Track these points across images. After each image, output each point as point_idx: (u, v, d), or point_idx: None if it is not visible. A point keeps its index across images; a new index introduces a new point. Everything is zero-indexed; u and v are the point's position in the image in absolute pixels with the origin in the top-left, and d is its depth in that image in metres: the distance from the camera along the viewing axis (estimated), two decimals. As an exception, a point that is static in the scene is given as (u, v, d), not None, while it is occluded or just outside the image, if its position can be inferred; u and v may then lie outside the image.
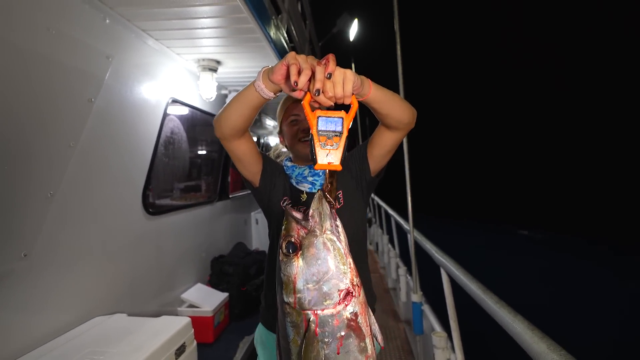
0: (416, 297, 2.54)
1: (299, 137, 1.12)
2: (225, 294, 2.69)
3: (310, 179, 1.07)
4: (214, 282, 2.88)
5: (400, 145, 2.72)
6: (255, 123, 4.95)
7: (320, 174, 1.08)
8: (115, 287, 1.91)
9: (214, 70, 2.65)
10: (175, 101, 2.54)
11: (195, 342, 1.57)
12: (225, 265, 2.94)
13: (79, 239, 1.64)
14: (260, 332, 1.13)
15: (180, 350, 1.43)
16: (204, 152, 3.47)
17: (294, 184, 1.09)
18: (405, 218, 3.37)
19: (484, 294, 1.40)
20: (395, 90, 2.94)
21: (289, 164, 1.12)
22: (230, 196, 3.77)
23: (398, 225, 4.02)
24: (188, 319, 1.55)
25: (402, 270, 3.53)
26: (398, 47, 2.77)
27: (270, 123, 5.89)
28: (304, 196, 1.05)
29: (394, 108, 0.90)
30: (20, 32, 1.30)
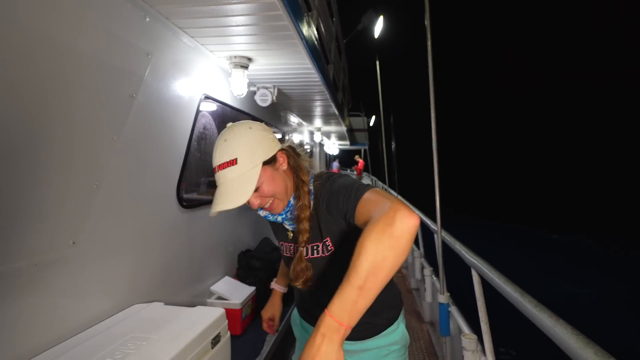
0: (443, 298, 2.51)
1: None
2: (253, 288, 2.74)
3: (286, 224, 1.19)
4: (241, 275, 2.94)
5: (429, 145, 2.70)
6: (280, 120, 4.99)
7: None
8: (151, 277, 1.98)
9: (245, 67, 2.69)
10: (207, 97, 2.60)
11: (229, 333, 1.61)
12: (252, 259, 2.99)
13: (120, 229, 1.71)
14: (295, 314, 1.40)
15: (216, 340, 1.47)
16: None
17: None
18: (432, 217, 3.33)
19: (522, 297, 1.37)
20: (425, 87, 2.91)
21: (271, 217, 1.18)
22: (257, 192, 3.82)
23: (424, 225, 3.97)
24: (222, 310, 1.59)
25: (428, 270, 3.49)
26: (429, 43, 2.72)
27: (294, 120, 5.93)
28: (290, 233, 1.20)
29: (388, 275, 0.74)
30: (69, 30, 1.36)
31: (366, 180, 16.86)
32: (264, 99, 3.33)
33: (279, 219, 1.14)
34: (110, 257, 1.65)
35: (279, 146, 1.08)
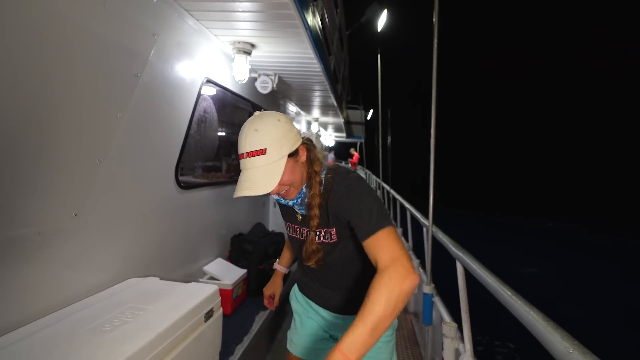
0: (428, 288, 2.60)
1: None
2: (244, 270, 2.81)
3: (296, 208, 1.23)
4: (234, 258, 3.00)
5: (424, 140, 2.76)
6: (279, 108, 5.02)
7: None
8: (147, 253, 2.04)
9: (248, 53, 2.72)
10: (209, 81, 2.63)
11: (221, 310, 1.67)
12: (245, 243, 3.06)
13: (119, 205, 1.76)
14: (295, 290, 1.48)
15: (209, 315, 1.54)
16: (231, 133, 3.57)
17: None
18: (423, 212, 3.41)
19: (500, 287, 1.45)
20: (424, 84, 2.94)
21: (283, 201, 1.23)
22: (252, 178, 3.87)
23: (413, 218, 4.06)
24: (216, 287, 1.65)
25: (415, 263, 3.59)
26: (435, 41, 2.73)
27: (293, 109, 5.96)
28: (299, 216, 1.25)
29: (391, 321, 0.87)
30: (78, 7, 1.39)
31: (360, 173, 16.95)
32: (265, 86, 3.36)
33: (290, 203, 1.20)
34: (109, 231, 1.71)
35: (300, 139, 1.14)
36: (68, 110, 1.40)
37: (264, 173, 1.02)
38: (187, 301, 1.47)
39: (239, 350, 2.13)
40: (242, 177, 1.04)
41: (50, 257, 1.39)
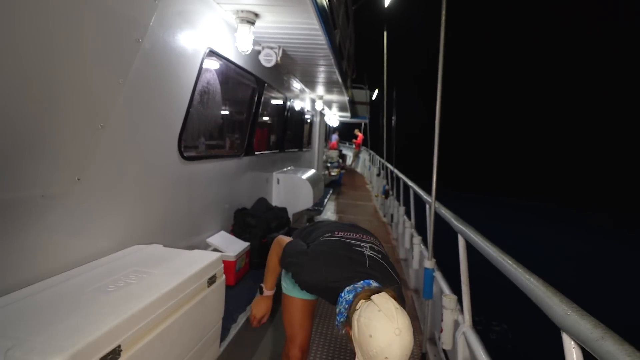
0: (429, 263, 2.62)
1: None
2: (247, 243, 2.84)
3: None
4: (237, 231, 3.03)
5: (431, 116, 2.72)
6: (282, 84, 4.95)
7: None
8: (151, 222, 2.06)
9: (252, 23, 2.66)
10: (212, 52, 2.59)
11: (224, 276, 1.70)
12: (248, 217, 3.08)
13: (122, 172, 1.76)
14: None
15: (212, 280, 1.56)
16: (234, 106, 3.54)
17: None
18: (426, 190, 3.40)
19: (501, 257, 1.46)
20: (431, 63, 2.89)
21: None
22: (256, 153, 3.87)
23: (417, 196, 4.06)
24: (219, 254, 1.67)
25: (417, 239, 3.61)
26: (443, 16, 2.65)
27: (297, 86, 5.88)
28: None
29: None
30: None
31: (364, 154, 16.88)
32: (268, 59, 3.30)
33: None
34: (113, 198, 1.72)
35: None
36: (70, 75, 1.38)
37: None
38: (190, 266, 1.49)
39: (242, 318, 2.18)
40: None
41: (54, 220, 1.40)
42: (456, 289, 2.25)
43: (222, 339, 1.84)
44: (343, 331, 1.13)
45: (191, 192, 2.53)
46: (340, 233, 1.45)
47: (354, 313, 1.03)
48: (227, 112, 3.39)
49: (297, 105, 6.06)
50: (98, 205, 1.63)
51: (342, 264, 1.27)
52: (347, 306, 1.11)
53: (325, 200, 7.41)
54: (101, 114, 1.57)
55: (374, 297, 1.03)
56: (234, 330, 2.03)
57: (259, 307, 1.65)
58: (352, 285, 1.16)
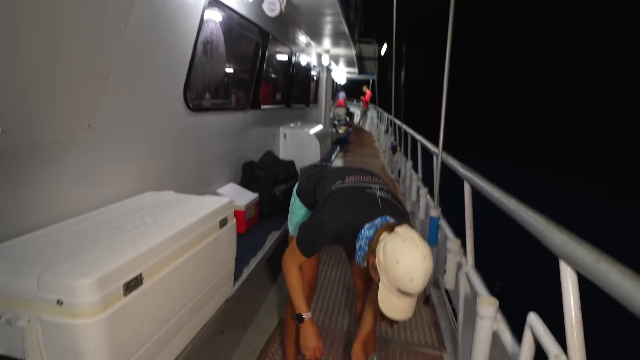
0: (435, 212, 2.67)
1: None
2: (256, 194, 2.91)
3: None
4: (245, 183, 3.09)
5: (440, 68, 2.65)
6: (288, 37, 4.80)
7: None
8: (162, 171, 2.11)
9: (254, -34, 2.54)
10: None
11: (234, 220, 1.76)
12: (256, 169, 3.13)
13: (130, 121, 1.79)
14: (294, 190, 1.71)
15: (224, 222, 1.63)
16: (239, 58, 3.47)
17: None
18: (434, 142, 3.38)
19: (506, 199, 1.49)
20: (441, 19, 2.75)
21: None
22: (262, 107, 3.84)
23: (424, 149, 4.05)
24: (229, 199, 1.73)
25: (423, 191, 3.65)
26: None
27: (303, 39, 5.69)
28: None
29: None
30: None
31: (372, 111, 16.60)
32: (272, 7, 3.17)
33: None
34: (123, 146, 1.76)
35: None
36: (72, 21, 1.36)
37: (414, 303, 1.16)
38: (202, 208, 1.54)
39: (254, 262, 2.28)
40: (401, 305, 1.13)
41: (68, 165, 1.45)
42: (460, 235, 2.31)
43: (235, 279, 1.95)
44: (364, 264, 1.25)
45: (199, 143, 2.56)
46: (349, 178, 1.48)
47: (379, 244, 1.15)
48: (231, 65, 3.33)
49: (303, 59, 5.90)
50: (109, 153, 1.67)
51: (358, 206, 1.33)
52: (368, 241, 1.22)
53: (333, 157, 7.42)
54: (105, 62, 1.56)
55: (397, 229, 1.16)
56: (246, 272, 2.13)
57: (309, 339, 1.44)
58: (370, 222, 1.25)
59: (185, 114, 2.29)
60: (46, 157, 1.36)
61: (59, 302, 0.93)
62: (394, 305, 1.12)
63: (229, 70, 3.28)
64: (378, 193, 1.39)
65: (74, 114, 1.44)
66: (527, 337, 1.11)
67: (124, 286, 1.03)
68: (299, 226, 1.41)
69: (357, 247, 1.25)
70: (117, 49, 1.62)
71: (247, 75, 3.58)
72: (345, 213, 1.32)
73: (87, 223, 1.35)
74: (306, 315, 1.44)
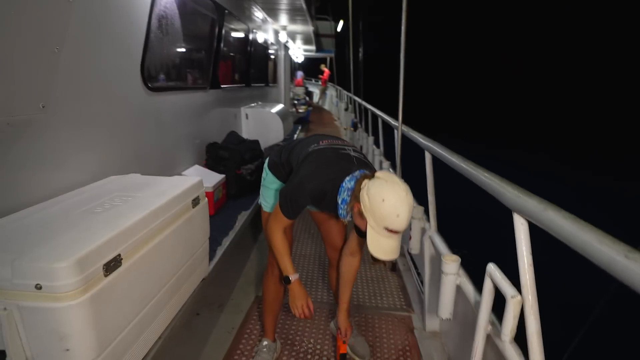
0: (398, 183, 2.79)
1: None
2: (222, 175, 2.88)
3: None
4: (210, 165, 3.05)
5: (396, 43, 2.72)
6: (244, 12, 4.66)
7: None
8: (124, 155, 2.04)
9: (206, -64, 2.43)
10: (165, -30, 2.38)
11: (206, 199, 1.76)
12: (220, 150, 3.09)
13: (87, 101, 1.70)
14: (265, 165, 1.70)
15: (196, 202, 1.63)
16: (196, 36, 3.34)
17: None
18: (393, 116, 3.49)
19: (464, 163, 1.60)
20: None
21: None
22: (222, 87, 3.75)
23: (385, 124, 4.17)
24: (199, 178, 1.71)
25: (386, 164, 3.78)
26: None
27: (259, 15, 5.54)
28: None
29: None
30: None
31: (331, 90, 16.60)
32: (227, -20, 3.07)
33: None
34: (81, 128, 1.67)
35: None
36: None
37: (399, 242, 1.25)
38: (173, 189, 1.53)
39: (226, 242, 2.30)
40: (389, 245, 1.23)
41: (23, 150, 1.37)
42: (422, 203, 2.45)
43: (210, 259, 1.96)
44: (348, 216, 1.34)
45: (160, 125, 2.48)
46: (324, 141, 1.52)
47: (362, 190, 1.23)
48: (188, 42, 3.20)
49: (260, 37, 5.76)
50: (68, 135, 1.59)
51: (336, 164, 1.39)
52: (350, 192, 1.29)
53: (295, 136, 7.42)
54: (54, 36, 1.46)
55: (377, 173, 1.26)
56: (219, 251, 2.15)
57: (298, 297, 1.50)
58: (350, 176, 1.32)
59: (145, 94, 2.20)
60: (-1, 141, 1.27)
61: (38, 287, 0.91)
62: (382, 246, 1.21)
63: (186, 47, 3.16)
64: (352, 153, 1.46)
65: (27, 94, 1.35)
66: (487, 285, 1.24)
67: (103, 267, 1.02)
68: (280, 191, 1.43)
69: (340, 200, 1.32)
70: (66, 23, 1.52)
71: (205, 53, 3.46)
72: (325, 170, 1.37)
73: (54, 209, 1.30)
74: (293, 276, 1.49)
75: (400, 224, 1.18)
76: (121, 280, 1.09)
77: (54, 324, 0.93)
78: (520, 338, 1.13)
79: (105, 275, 1.03)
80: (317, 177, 1.36)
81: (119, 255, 1.09)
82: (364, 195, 1.22)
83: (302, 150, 1.50)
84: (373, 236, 1.21)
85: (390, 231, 1.20)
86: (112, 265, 1.05)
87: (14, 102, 1.30)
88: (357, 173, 1.33)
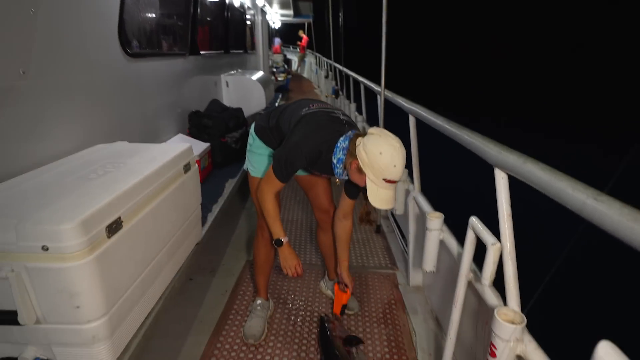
0: (382, 148, 2.86)
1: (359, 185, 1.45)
2: (207, 144, 2.86)
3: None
4: (194, 133, 3.02)
5: (378, 6, 2.69)
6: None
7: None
8: (107, 124, 2.00)
9: None
10: None
11: (196, 165, 1.77)
12: (203, 118, 3.04)
13: (68, 67, 1.64)
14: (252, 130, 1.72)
15: (187, 167, 1.64)
16: (172, 0, 3.19)
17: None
18: (376, 81, 3.50)
19: (448, 124, 1.67)
20: None
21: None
22: (201, 53, 3.63)
23: (368, 90, 4.18)
24: (189, 144, 1.72)
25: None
26: None
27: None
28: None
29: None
30: None
31: (310, 58, 16.23)
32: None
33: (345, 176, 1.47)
34: (63, 96, 1.63)
35: None
36: None
37: (395, 192, 1.36)
38: (164, 155, 1.53)
39: (216, 209, 2.33)
40: (387, 195, 1.32)
41: (5, 117, 1.34)
42: (406, 166, 2.53)
43: (202, 225, 2.00)
44: (344, 175, 1.43)
45: (141, 93, 2.42)
46: (314, 105, 1.55)
47: (358, 147, 1.32)
48: (165, 7, 3.06)
49: (237, 1, 5.52)
50: (50, 103, 1.55)
51: (329, 126, 1.45)
52: (345, 151, 1.38)
53: (276, 104, 7.32)
54: None
55: (370, 130, 1.34)
56: (210, 218, 2.18)
57: (288, 259, 1.60)
58: (344, 136, 1.40)
59: (125, 60, 2.13)
60: (-20, 109, 1.24)
61: (45, 248, 0.93)
62: (382, 196, 1.32)
63: (163, 12, 3.02)
64: (341, 117, 1.52)
65: (5, 60, 1.30)
66: (469, 236, 1.33)
67: (106, 229, 1.05)
68: (273, 155, 1.47)
69: (335, 160, 1.40)
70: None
71: (183, 18, 3.32)
72: (319, 132, 1.42)
73: (46, 176, 1.29)
74: (284, 239, 1.58)
75: (397, 173, 1.29)
76: (123, 242, 1.12)
77: (63, 283, 0.96)
78: (498, 283, 1.25)
79: (108, 237, 1.06)
80: (312, 139, 1.40)
81: (120, 217, 1.11)
82: (361, 151, 1.29)
83: (294, 114, 1.53)
84: (372, 188, 1.31)
85: (389, 181, 1.29)
86: (113, 227, 1.08)
87: (-7, 68, 1.26)
88: (350, 133, 1.40)
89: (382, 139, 1.29)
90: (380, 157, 1.26)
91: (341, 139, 1.39)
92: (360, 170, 1.33)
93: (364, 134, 1.35)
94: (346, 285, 1.88)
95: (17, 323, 0.97)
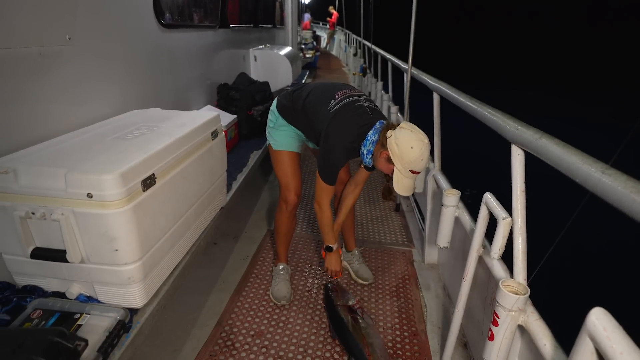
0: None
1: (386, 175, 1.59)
2: (234, 116, 2.96)
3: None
4: (222, 105, 3.11)
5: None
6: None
7: None
8: (142, 91, 2.11)
9: None
10: None
11: (223, 133, 1.87)
12: (231, 91, 3.13)
13: (106, 35, 1.75)
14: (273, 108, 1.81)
15: (215, 134, 1.73)
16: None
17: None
18: (404, 59, 3.45)
19: (470, 101, 1.67)
20: None
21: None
22: (231, 26, 3.69)
23: (395, 68, 4.12)
24: (217, 112, 1.81)
25: (394, 108, 3.81)
26: None
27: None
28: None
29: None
30: None
31: (339, 35, 15.93)
32: None
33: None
34: (103, 62, 1.74)
35: None
36: None
37: (414, 181, 1.51)
38: (193, 121, 1.63)
39: (241, 177, 2.44)
40: (409, 183, 1.47)
41: (54, 80, 1.45)
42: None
43: (227, 191, 2.11)
44: (373, 162, 1.56)
45: (173, 63, 2.52)
46: (339, 93, 1.61)
47: (389, 139, 1.43)
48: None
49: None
50: (92, 68, 1.66)
51: (356, 122, 1.54)
52: (374, 144, 1.51)
53: (303, 82, 7.32)
54: None
55: (402, 124, 1.47)
56: (235, 185, 2.29)
57: (334, 263, 1.89)
58: (372, 129, 1.51)
59: (158, 30, 2.23)
60: (29, 70, 1.35)
61: (89, 196, 1.05)
62: (405, 185, 1.46)
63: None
64: (365, 104, 1.60)
65: (55, 26, 1.41)
66: (483, 211, 1.36)
67: (141, 183, 1.15)
68: (318, 166, 1.62)
69: (365, 151, 1.53)
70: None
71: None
72: (350, 132, 1.54)
73: (89, 135, 1.41)
74: (334, 246, 1.85)
75: (423, 166, 1.43)
76: (155, 196, 1.23)
77: (104, 228, 1.08)
78: (507, 257, 1.28)
79: (143, 190, 1.16)
80: (346, 140, 1.53)
81: (153, 174, 1.22)
82: (392, 143, 1.42)
83: (321, 108, 1.60)
84: (399, 177, 1.44)
85: (414, 172, 1.43)
86: (148, 182, 1.18)
87: (46, 33, 1.37)
88: (377, 126, 1.51)
89: (413, 135, 1.41)
90: (412, 151, 1.38)
91: (370, 132, 1.51)
92: (389, 160, 1.46)
93: (392, 125, 1.47)
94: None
95: (65, 260, 1.10)
